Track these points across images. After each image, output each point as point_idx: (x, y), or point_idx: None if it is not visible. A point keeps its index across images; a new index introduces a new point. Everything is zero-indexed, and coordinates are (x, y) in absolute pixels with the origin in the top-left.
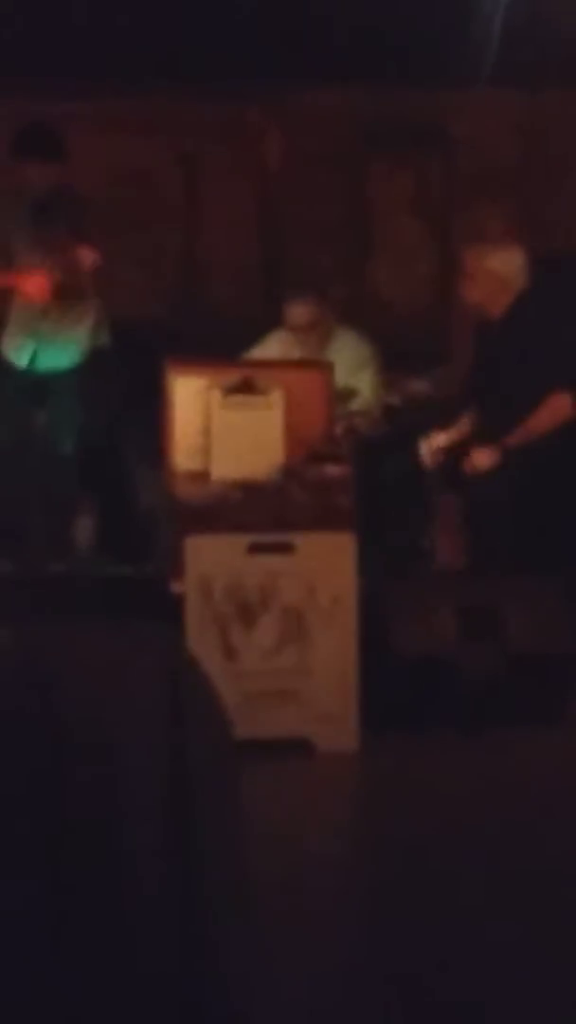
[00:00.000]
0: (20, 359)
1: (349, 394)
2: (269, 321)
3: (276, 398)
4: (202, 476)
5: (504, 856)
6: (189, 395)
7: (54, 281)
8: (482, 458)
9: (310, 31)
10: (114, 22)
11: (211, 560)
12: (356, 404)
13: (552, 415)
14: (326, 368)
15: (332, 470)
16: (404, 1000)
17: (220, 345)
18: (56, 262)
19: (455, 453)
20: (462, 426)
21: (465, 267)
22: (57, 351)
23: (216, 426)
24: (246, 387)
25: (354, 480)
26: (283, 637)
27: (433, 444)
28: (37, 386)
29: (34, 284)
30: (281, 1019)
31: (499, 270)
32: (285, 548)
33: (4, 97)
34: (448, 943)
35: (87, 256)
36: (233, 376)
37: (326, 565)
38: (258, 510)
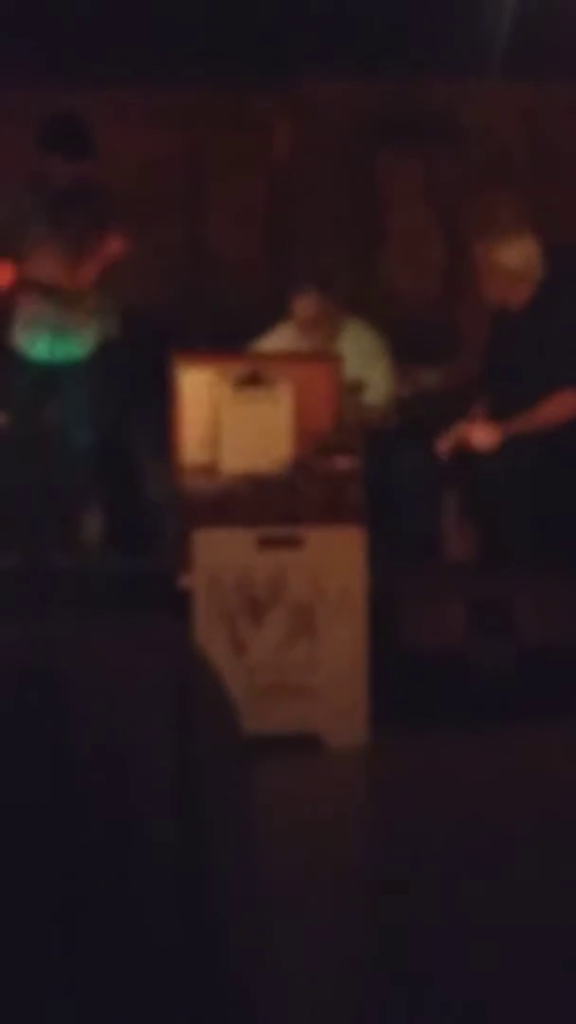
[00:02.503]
0: (31, 350)
1: (359, 387)
2: (276, 313)
3: (285, 391)
4: (210, 469)
5: (515, 850)
6: (197, 388)
7: (18, 273)
8: (482, 436)
9: (318, 22)
10: (121, 14)
11: (220, 554)
12: (367, 397)
13: (557, 409)
14: (335, 360)
15: (341, 463)
16: (412, 995)
17: (227, 337)
18: (76, 253)
19: (462, 444)
20: (471, 420)
21: (479, 264)
22: (68, 342)
23: (224, 419)
24: (254, 380)
25: (364, 473)
26: (292, 631)
27: (448, 442)
28: (48, 379)
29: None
30: (288, 1014)
31: (514, 264)
32: (294, 542)
33: (12, 89)
34: (458, 938)
35: (113, 245)
36: (241, 369)
37: (335, 559)
38: (267, 503)
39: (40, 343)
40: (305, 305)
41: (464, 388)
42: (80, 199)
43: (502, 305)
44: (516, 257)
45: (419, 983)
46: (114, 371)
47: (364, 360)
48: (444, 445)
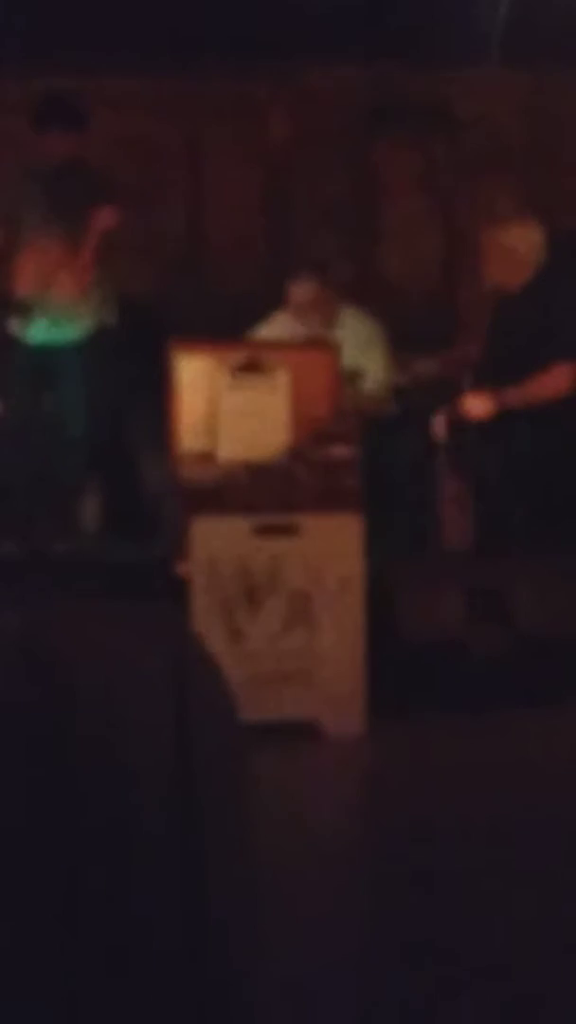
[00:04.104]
0: (27, 335)
1: (357, 375)
2: (274, 300)
3: (282, 378)
4: (208, 457)
5: (512, 838)
6: (195, 375)
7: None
8: (476, 404)
9: (316, 9)
10: (120, 1)
11: (217, 542)
12: (365, 385)
13: (553, 381)
14: (332, 347)
15: (339, 451)
16: (412, 983)
17: (224, 324)
18: (71, 232)
19: (456, 418)
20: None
21: (481, 246)
22: (64, 326)
23: (222, 406)
24: (252, 367)
25: (361, 461)
26: (290, 619)
27: (444, 420)
28: (45, 365)
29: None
30: (286, 1003)
31: (516, 246)
32: (292, 530)
33: (11, 74)
34: (456, 925)
35: (104, 216)
36: (239, 356)
37: (333, 547)
38: (265, 491)
39: (36, 327)
40: (302, 290)
41: (462, 376)
42: (75, 176)
43: (502, 289)
44: (518, 240)
45: (419, 974)
46: (111, 358)
47: (361, 348)
48: (439, 425)
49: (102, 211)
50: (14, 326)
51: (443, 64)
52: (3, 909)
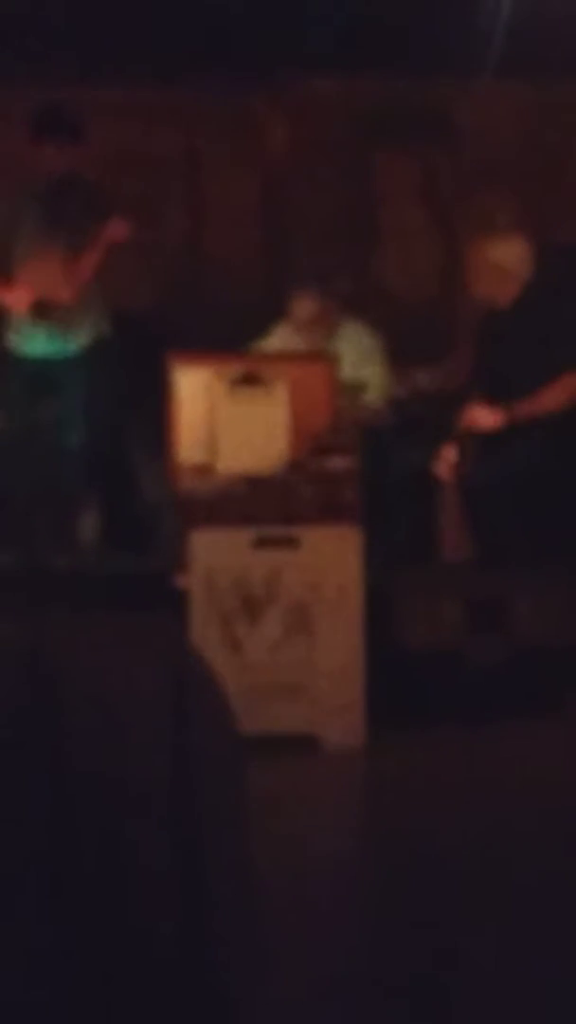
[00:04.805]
0: (26, 347)
1: (357, 387)
2: (272, 313)
3: (281, 390)
4: (207, 469)
5: (513, 849)
6: (193, 388)
7: (37, 295)
8: (483, 416)
9: (314, 20)
10: (117, 11)
11: (216, 554)
12: (364, 397)
13: (564, 392)
14: (331, 360)
15: (337, 463)
16: (411, 996)
17: (222, 337)
18: (70, 244)
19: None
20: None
21: (468, 261)
22: (62, 338)
23: (221, 419)
24: (251, 379)
25: (360, 473)
26: (288, 631)
27: (448, 456)
28: (43, 377)
29: (15, 297)
30: (284, 1016)
31: (502, 261)
32: (291, 542)
33: (10, 86)
34: (456, 938)
35: (115, 229)
36: (237, 368)
37: (332, 559)
38: (263, 503)
39: (34, 340)
40: (304, 304)
41: (460, 388)
42: (73, 190)
43: (491, 303)
44: (504, 255)
45: (419, 986)
46: (108, 370)
47: (361, 360)
48: (444, 468)
49: (113, 223)
50: (12, 337)
51: (442, 75)
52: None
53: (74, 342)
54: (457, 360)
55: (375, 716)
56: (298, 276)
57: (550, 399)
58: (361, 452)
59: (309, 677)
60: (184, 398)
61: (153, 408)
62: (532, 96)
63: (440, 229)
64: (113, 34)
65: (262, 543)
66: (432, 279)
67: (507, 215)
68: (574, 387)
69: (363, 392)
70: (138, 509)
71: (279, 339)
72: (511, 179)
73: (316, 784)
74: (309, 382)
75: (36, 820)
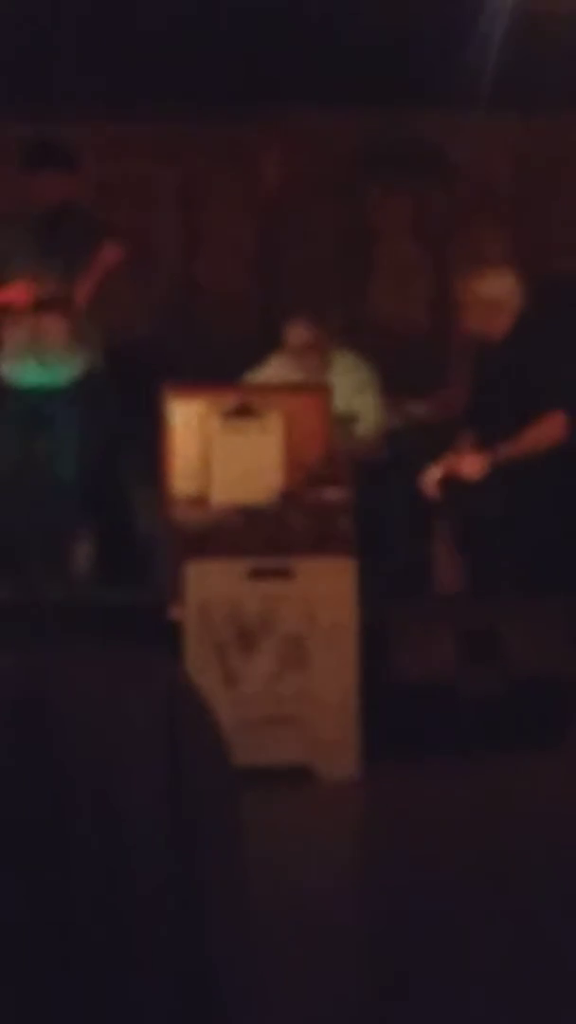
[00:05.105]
0: (19, 379)
1: (351, 419)
2: (266, 344)
3: (275, 422)
4: (201, 501)
5: (507, 882)
6: (187, 419)
7: (37, 291)
8: (471, 466)
9: (308, 55)
10: (113, 46)
11: (211, 586)
12: (357, 428)
13: (544, 433)
14: (324, 391)
15: (331, 494)
16: None
17: (216, 368)
18: (66, 274)
19: (449, 474)
20: (459, 451)
21: (459, 294)
22: (54, 369)
23: (215, 450)
24: (245, 411)
25: (354, 504)
26: (283, 663)
27: (434, 476)
28: (36, 410)
29: (15, 292)
30: None
31: (491, 295)
32: (285, 573)
33: (5, 118)
34: (450, 971)
35: (111, 253)
36: (232, 400)
37: (326, 590)
38: (257, 535)
39: (26, 371)
40: (298, 333)
41: (453, 419)
42: (69, 217)
43: (482, 337)
44: (493, 289)
45: (412, 1016)
46: (101, 402)
47: (354, 391)
48: (429, 482)
49: (107, 247)
50: (4, 368)
51: (434, 109)
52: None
53: (67, 372)
54: (450, 392)
55: (370, 748)
56: (292, 308)
57: (533, 439)
58: (355, 483)
59: (304, 709)
60: (178, 429)
61: (147, 439)
62: (524, 130)
63: (433, 262)
64: (109, 68)
65: (256, 574)
66: (425, 311)
67: (497, 248)
68: (555, 427)
69: (356, 423)
70: (132, 541)
71: (273, 370)
72: (504, 212)
73: (311, 816)
74: (303, 413)
75: (34, 851)
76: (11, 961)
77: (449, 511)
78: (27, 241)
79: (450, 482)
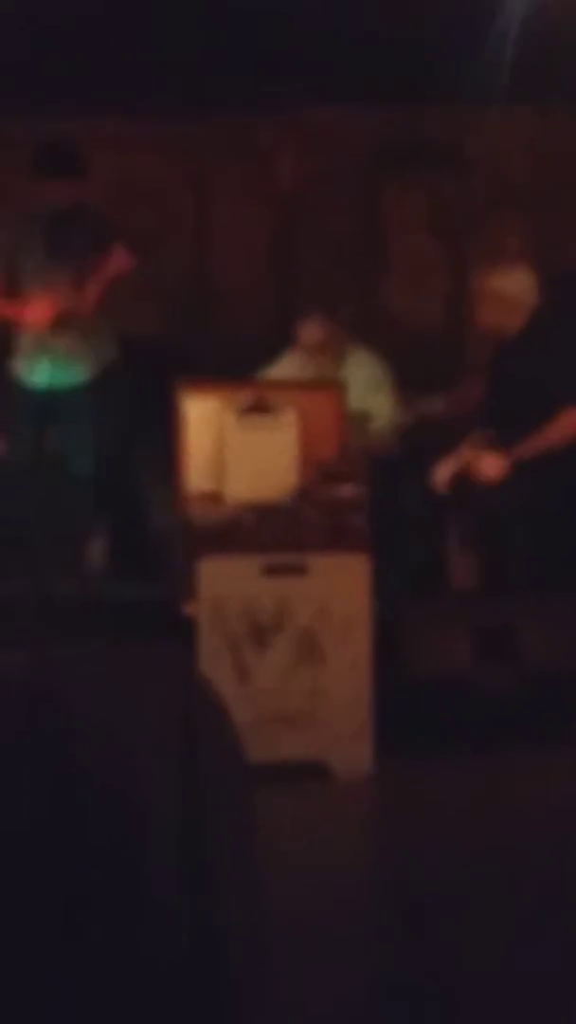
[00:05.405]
0: (32, 377)
1: (365, 416)
2: (280, 341)
3: (289, 418)
4: (215, 497)
5: (523, 877)
6: (202, 416)
7: (56, 308)
8: (490, 467)
9: (322, 51)
10: (125, 43)
11: (224, 582)
12: (372, 425)
13: (563, 429)
14: (339, 387)
15: (346, 490)
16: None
17: (231, 364)
18: (74, 276)
19: (465, 472)
20: (472, 446)
21: (474, 291)
22: (68, 368)
23: (229, 447)
24: (259, 407)
25: (368, 500)
26: (297, 659)
27: (445, 472)
28: (50, 406)
29: (35, 311)
30: None
31: (507, 290)
32: (299, 570)
33: (16, 117)
34: (466, 967)
35: (117, 259)
36: (246, 396)
37: (340, 586)
38: (272, 531)
39: (40, 370)
40: (311, 330)
41: (468, 416)
42: (78, 222)
43: (498, 333)
44: (510, 285)
45: (426, 1012)
46: (115, 397)
47: (369, 388)
48: (440, 477)
49: (117, 252)
50: (18, 367)
51: (450, 104)
52: (9, 950)
53: (81, 371)
54: (464, 389)
55: (383, 744)
56: (306, 304)
57: (552, 435)
58: (369, 480)
59: (317, 705)
60: (193, 426)
61: (162, 436)
62: (539, 124)
63: (448, 258)
64: (122, 64)
65: (270, 571)
66: (440, 307)
67: (513, 244)
68: (573, 423)
69: (371, 420)
70: (146, 537)
71: (287, 367)
72: (520, 208)
73: (324, 812)
74: (317, 410)
75: (44, 851)
76: (18, 959)
77: (463, 507)
78: (38, 243)
79: (466, 479)
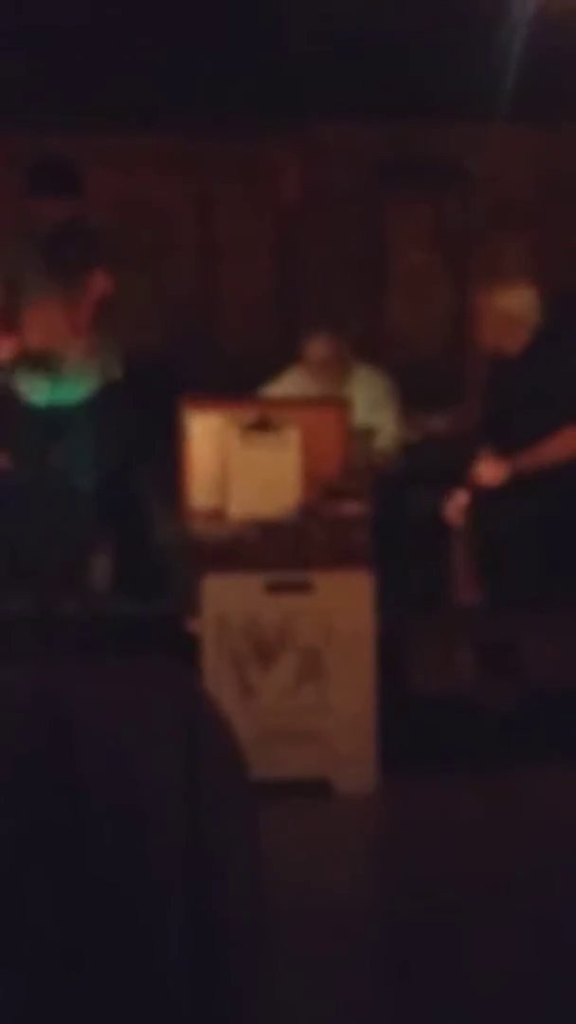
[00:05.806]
0: (34, 395)
1: (369, 433)
2: (284, 357)
3: (293, 435)
4: (219, 514)
5: (525, 895)
6: (206, 432)
7: (20, 344)
8: (489, 471)
9: (326, 67)
10: (128, 58)
11: (228, 598)
12: (376, 442)
13: (564, 445)
14: (343, 405)
15: (349, 508)
16: None
17: (235, 381)
18: (68, 294)
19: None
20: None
21: (476, 308)
22: (70, 385)
23: (233, 464)
24: (263, 424)
25: (372, 518)
26: (300, 676)
27: (460, 502)
28: (52, 422)
29: (30, 333)
30: None
31: (509, 309)
32: (303, 587)
33: (18, 133)
34: (468, 984)
35: (99, 283)
36: (250, 413)
37: (344, 603)
38: (275, 548)
39: (38, 388)
40: (317, 347)
41: (471, 433)
42: (72, 239)
43: (500, 351)
44: (511, 303)
45: None
46: (118, 413)
47: (373, 405)
48: (454, 509)
49: (96, 277)
50: (22, 383)
51: (454, 120)
52: (12, 956)
53: (81, 388)
54: (468, 405)
55: (387, 761)
56: (310, 320)
57: (553, 451)
58: (373, 497)
59: (321, 722)
60: (197, 442)
61: (166, 452)
62: (543, 141)
63: (452, 274)
64: (126, 80)
65: (274, 588)
66: (444, 324)
67: (517, 261)
68: (574, 440)
69: (374, 437)
70: (150, 554)
71: (291, 383)
72: (523, 224)
73: (328, 829)
74: (321, 427)
75: (49, 862)
76: (23, 965)
77: (467, 524)
78: (35, 259)
79: (470, 495)
